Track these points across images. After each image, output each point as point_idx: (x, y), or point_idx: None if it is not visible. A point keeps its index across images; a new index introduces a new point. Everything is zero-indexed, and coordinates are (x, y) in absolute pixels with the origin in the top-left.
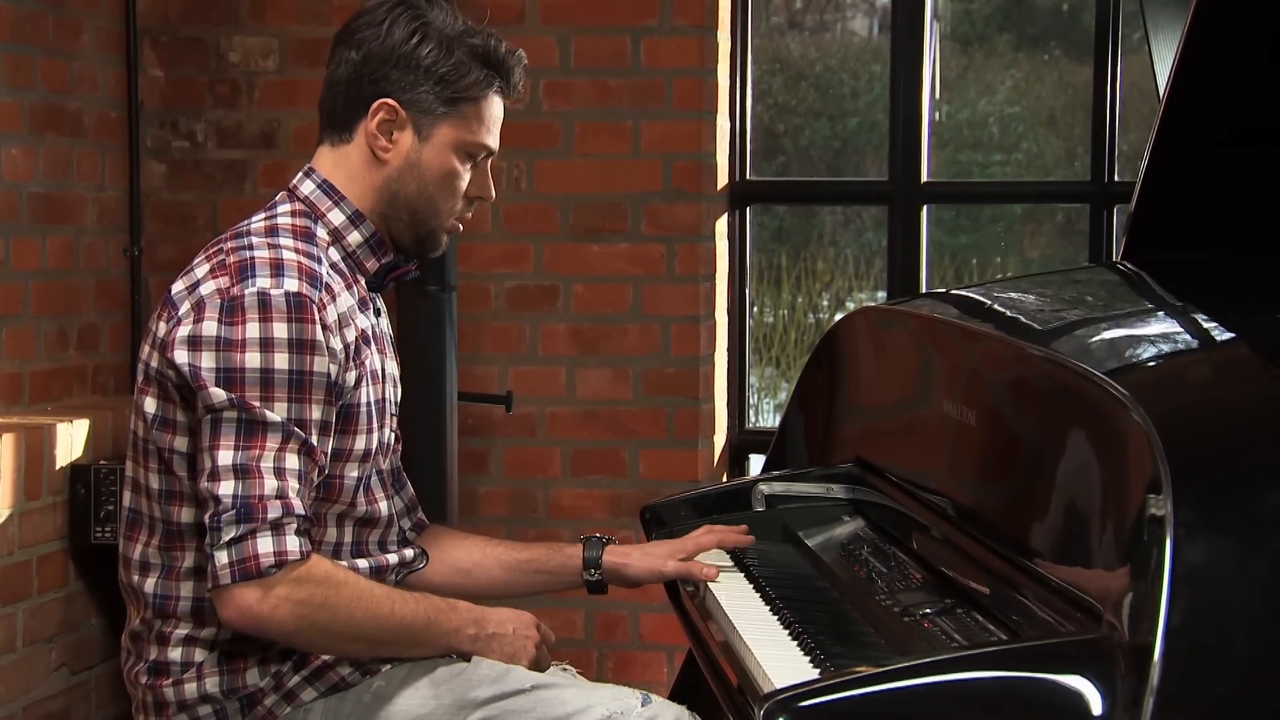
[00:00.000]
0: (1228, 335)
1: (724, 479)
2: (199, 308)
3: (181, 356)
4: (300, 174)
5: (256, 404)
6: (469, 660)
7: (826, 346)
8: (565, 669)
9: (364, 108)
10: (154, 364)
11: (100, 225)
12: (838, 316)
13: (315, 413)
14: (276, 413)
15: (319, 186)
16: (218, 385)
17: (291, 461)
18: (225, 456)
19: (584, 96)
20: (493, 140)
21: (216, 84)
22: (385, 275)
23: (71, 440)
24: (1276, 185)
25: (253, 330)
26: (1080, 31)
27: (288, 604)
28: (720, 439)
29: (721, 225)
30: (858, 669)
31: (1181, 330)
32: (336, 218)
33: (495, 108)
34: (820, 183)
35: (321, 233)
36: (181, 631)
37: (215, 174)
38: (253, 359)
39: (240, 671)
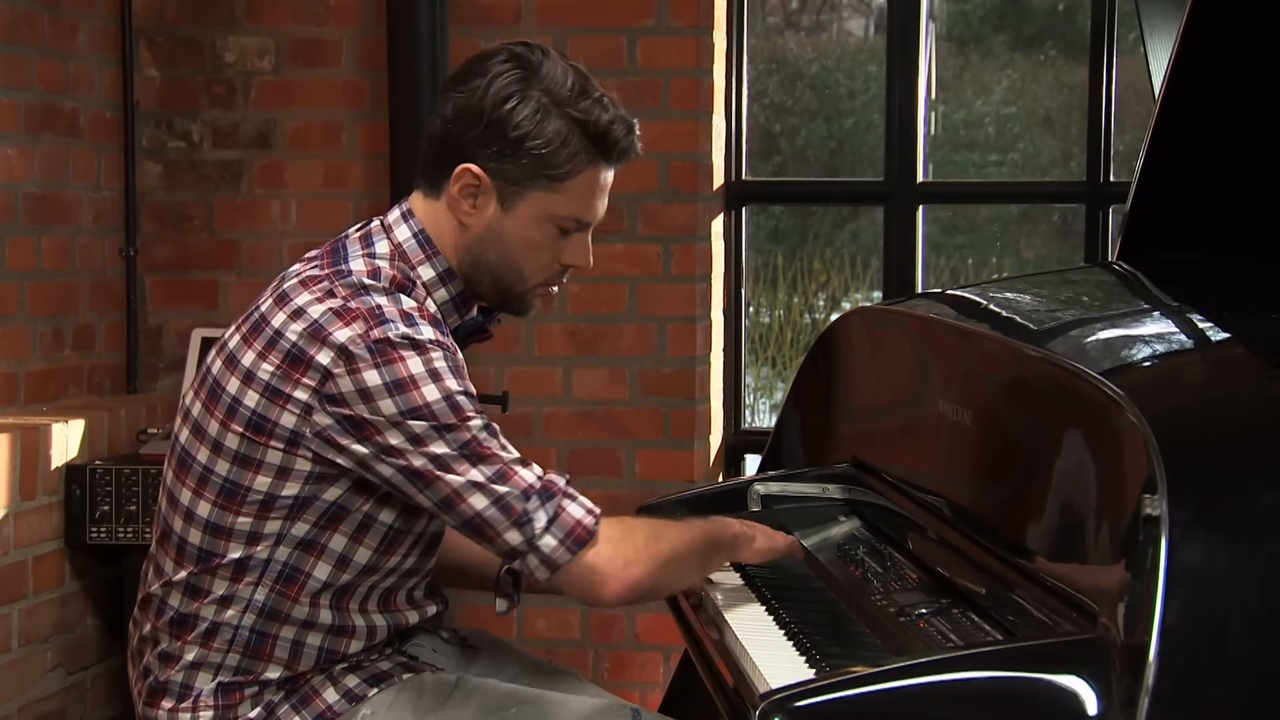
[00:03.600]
0: (1223, 335)
1: (720, 479)
2: (348, 357)
3: (360, 408)
4: (398, 213)
5: (457, 424)
6: (462, 673)
7: (822, 347)
8: (571, 673)
9: (449, 170)
10: (252, 402)
11: (96, 225)
12: (834, 317)
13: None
14: (476, 423)
15: (415, 236)
16: (412, 420)
17: (515, 452)
18: (475, 474)
19: None
20: (589, 212)
21: (212, 84)
22: (466, 335)
23: (67, 440)
24: (1272, 185)
25: (416, 366)
26: (1076, 32)
27: (627, 549)
28: (716, 439)
29: (718, 225)
30: (854, 669)
31: (1177, 330)
32: (427, 273)
33: (594, 179)
34: (816, 183)
35: (418, 285)
36: (189, 656)
37: (211, 174)
38: (430, 392)
39: (235, 704)
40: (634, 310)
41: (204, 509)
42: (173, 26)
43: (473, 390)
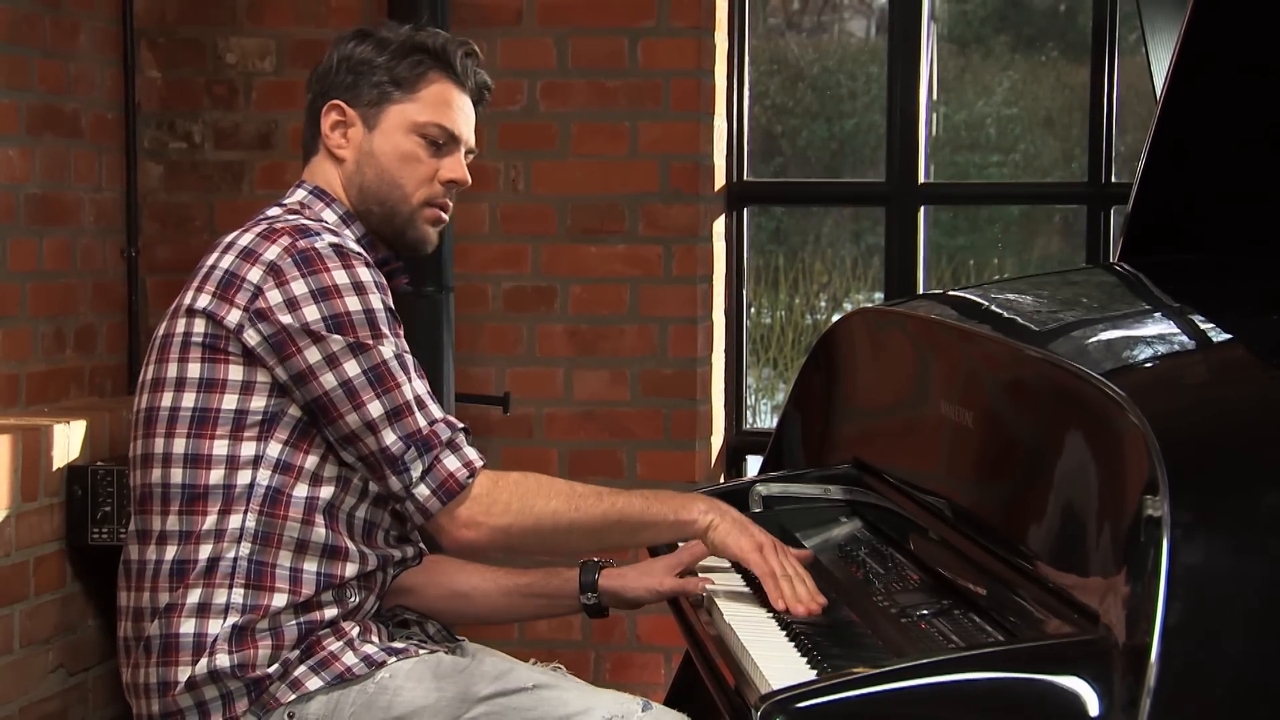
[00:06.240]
0: (1225, 336)
1: (721, 480)
2: (276, 271)
3: (285, 319)
4: (291, 188)
5: (370, 343)
6: (470, 656)
7: (824, 347)
8: (557, 668)
9: (318, 118)
10: (201, 329)
11: (97, 226)
12: (835, 318)
13: (405, 343)
14: (387, 348)
15: (310, 193)
16: (332, 331)
17: (420, 386)
18: (374, 409)
19: (581, 97)
20: (449, 121)
21: (213, 85)
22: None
23: (68, 441)
24: (1273, 185)
25: (340, 276)
26: (1077, 33)
27: (496, 505)
28: (718, 440)
29: (719, 226)
30: (855, 670)
31: (1178, 331)
32: (329, 217)
33: (445, 91)
34: (818, 184)
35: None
36: (193, 599)
37: (212, 175)
38: (353, 303)
39: (250, 649)
40: (635, 311)
41: (179, 445)
42: (174, 27)
43: (392, 306)
